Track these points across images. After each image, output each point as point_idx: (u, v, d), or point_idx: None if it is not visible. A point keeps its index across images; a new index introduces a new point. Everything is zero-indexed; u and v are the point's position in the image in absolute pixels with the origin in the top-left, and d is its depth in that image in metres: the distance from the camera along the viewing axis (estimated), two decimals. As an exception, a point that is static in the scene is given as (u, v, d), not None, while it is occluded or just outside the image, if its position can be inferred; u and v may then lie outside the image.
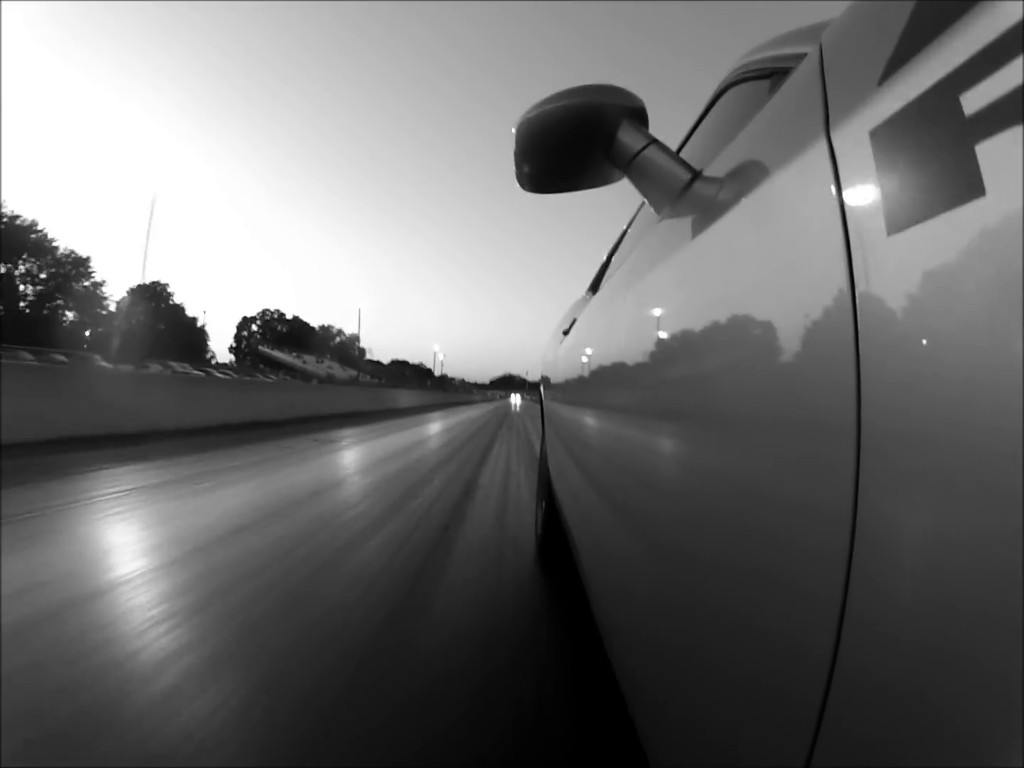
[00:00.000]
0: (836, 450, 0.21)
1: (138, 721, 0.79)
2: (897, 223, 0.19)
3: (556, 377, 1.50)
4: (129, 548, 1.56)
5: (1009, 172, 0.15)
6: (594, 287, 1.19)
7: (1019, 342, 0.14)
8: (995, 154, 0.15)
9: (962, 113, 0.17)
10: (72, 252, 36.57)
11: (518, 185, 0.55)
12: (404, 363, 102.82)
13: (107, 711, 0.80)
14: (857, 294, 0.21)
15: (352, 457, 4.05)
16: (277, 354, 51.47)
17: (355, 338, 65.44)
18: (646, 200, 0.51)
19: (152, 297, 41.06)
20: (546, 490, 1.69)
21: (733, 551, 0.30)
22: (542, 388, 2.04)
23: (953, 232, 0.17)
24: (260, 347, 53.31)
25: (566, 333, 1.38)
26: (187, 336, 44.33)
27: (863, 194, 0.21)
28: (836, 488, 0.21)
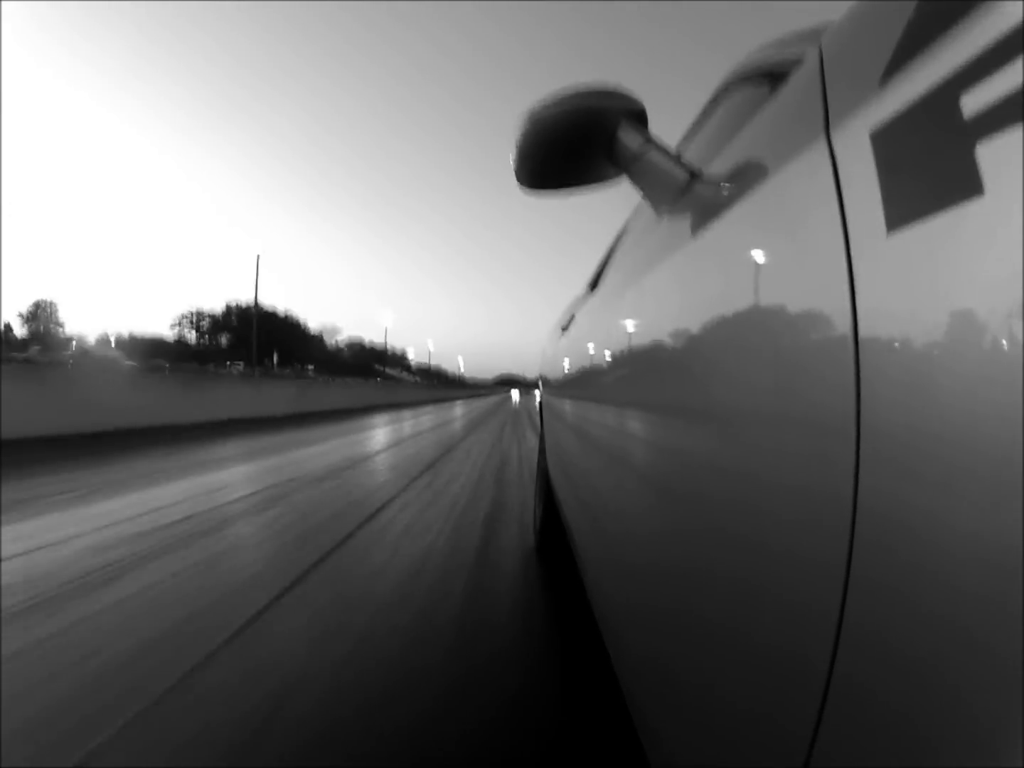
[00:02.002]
0: (836, 450, 0.21)
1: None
2: (896, 223, 0.19)
3: (554, 374, 1.50)
4: (460, 407, 16.69)
5: (1008, 173, 0.15)
6: (593, 285, 1.19)
7: (1019, 342, 0.14)
8: (994, 155, 0.15)
9: (962, 114, 0.17)
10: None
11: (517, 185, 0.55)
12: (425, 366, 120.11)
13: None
14: (857, 294, 0.21)
15: (477, 402, 22.37)
16: (389, 371, 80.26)
17: (404, 354, 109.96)
18: (646, 200, 0.51)
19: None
20: (545, 487, 1.69)
21: (733, 550, 0.30)
22: (540, 384, 2.04)
23: (952, 233, 0.17)
24: (376, 366, 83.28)
25: (565, 330, 1.38)
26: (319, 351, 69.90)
27: (863, 195, 0.21)
28: (835, 488, 0.21)
